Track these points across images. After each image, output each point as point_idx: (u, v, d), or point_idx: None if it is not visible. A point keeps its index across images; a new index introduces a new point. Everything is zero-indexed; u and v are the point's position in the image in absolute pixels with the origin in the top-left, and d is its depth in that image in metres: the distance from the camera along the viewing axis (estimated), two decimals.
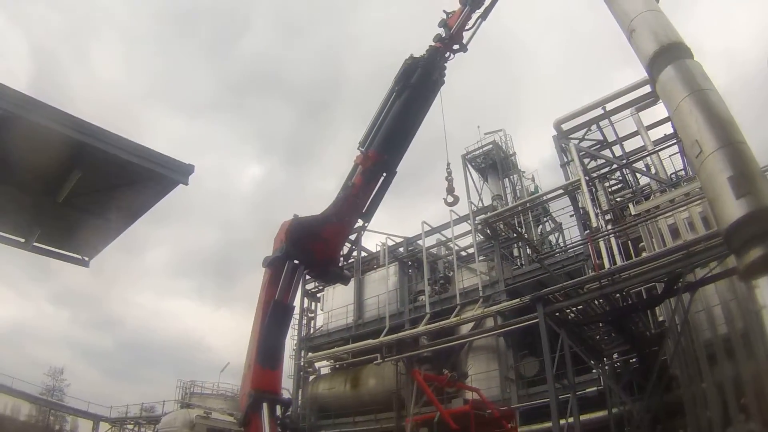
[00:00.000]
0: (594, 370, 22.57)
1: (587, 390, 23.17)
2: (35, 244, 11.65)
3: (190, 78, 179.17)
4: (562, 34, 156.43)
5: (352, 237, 22.24)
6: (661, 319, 22.21)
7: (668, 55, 14.48)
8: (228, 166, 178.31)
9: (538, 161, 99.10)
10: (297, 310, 32.48)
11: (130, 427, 63.19)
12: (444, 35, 21.42)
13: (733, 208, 11.87)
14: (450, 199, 27.74)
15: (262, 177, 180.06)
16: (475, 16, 21.91)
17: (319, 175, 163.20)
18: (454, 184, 28.15)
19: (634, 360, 22.88)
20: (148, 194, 10.62)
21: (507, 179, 40.69)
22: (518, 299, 25.31)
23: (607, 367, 23.01)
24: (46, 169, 9.73)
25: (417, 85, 20.62)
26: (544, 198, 32.80)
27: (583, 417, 20.11)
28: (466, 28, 21.86)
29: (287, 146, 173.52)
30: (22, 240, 11.59)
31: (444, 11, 21.77)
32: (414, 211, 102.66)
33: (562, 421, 18.13)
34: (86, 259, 12.54)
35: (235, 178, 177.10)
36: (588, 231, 26.30)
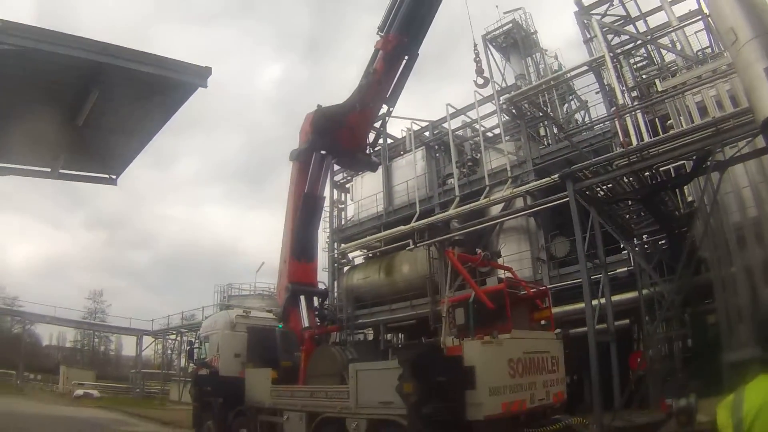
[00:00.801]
0: (625, 250, 22.61)
1: (618, 270, 23.29)
2: (61, 171, 11.81)
3: None
4: None
5: (378, 123, 22.20)
6: (690, 199, 22.07)
7: None
8: (247, 69, 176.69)
9: (561, 39, 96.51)
10: (327, 202, 32.60)
11: (173, 337, 64.91)
12: None
13: None
14: (480, 81, 27.48)
15: (282, 76, 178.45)
16: None
17: (339, 66, 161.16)
18: (482, 66, 27.83)
19: (663, 241, 22.88)
20: (168, 103, 10.57)
21: (529, 58, 40.04)
22: (548, 178, 25.11)
23: (637, 248, 23.04)
24: (62, 95, 9.75)
25: None
26: (569, 75, 32.08)
27: (614, 297, 20.24)
28: None
29: (304, 41, 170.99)
30: (48, 169, 11.77)
31: None
32: (438, 95, 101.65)
33: (594, 302, 18.25)
34: (113, 177, 12.61)
35: (255, 80, 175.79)
36: (614, 108, 25.91)
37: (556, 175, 20.50)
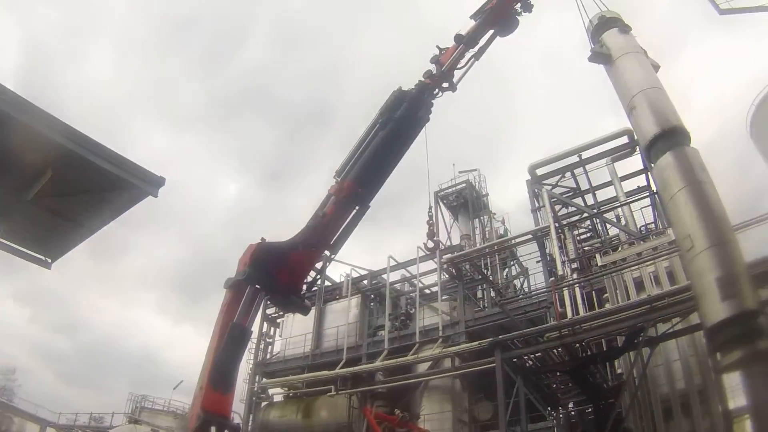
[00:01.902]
0: (549, 419, 22.47)
1: None
2: None
3: (181, 87, 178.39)
4: (555, 76, 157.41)
5: (318, 265, 22.11)
6: (619, 371, 22.23)
7: (668, 141, 14.93)
8: (206, 182, 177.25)
9: (514, 203, 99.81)
10: (255, 334, 32.13)
11: None
12: (434, 72, 21.34)
13: (719, 308, 12.53)
14: (429, 244, 27.70)
15: (237, 196, 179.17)
16: (468, 54, 21.88)
17: (297, 198, 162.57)
18: (435, 230, 28.19)
19: (589, 411, 22.81)
20: (117, 202, 10.53)
21: (477, 219, 40.62)
22: (477, 342, 25.14)
23: (562, 417, 22.97)
24: (18, 165, 9.60)
25: (401, 120, 20.51)
26: (513, 242, 33.05)
27: None
28: (458, 66, 21.82)
29: (268, 167, 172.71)
30: None
31: (437, 47, 21.70)
32: (383, 243, 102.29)
33: None
34: (49, 260, 12.41)
35: (211, 193, 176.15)
36: (553, 278, 26.34)
37: (485, 342, 20.50)
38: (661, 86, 16.49)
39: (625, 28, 17.72)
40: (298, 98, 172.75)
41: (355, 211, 20.72)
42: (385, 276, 34.79)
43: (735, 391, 21.78)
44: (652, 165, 15.81)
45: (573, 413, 24.00)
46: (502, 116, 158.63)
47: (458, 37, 21.68)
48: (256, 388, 35.93)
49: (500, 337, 19.68)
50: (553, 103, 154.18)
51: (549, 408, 22.26)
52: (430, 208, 28.32)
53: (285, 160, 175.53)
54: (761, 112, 26.81)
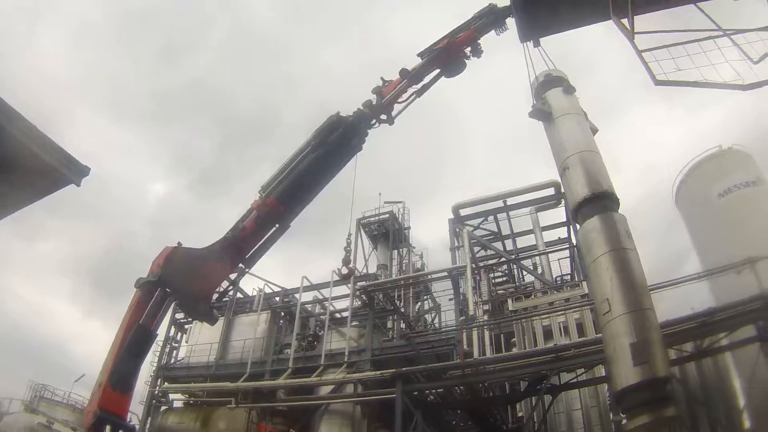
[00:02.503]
0: None
1: None
2: None
3: (128, 80, 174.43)
4: (500, 119, 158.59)
5: (232, 276, 21.95)
6: (520, 415, 22.52)
7: (597, 204, 15.56)
8: (136, 179, 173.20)
9: (435, 240, 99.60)
10: (161, 337, 31.69)
11: None
12: (374, 102, 21.49)
13: (630, 373, 13.11)
14: (344, 270, 27.69)
15: (166, 196, 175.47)
16: (411, 90, 22.08)
17: (224, 206, 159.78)
18: (351, 256, 28.21)
19: None
20: (37, 187, 10.26)
21: (396, 251, 40.89)
22: (380, 372, 25.17)
23: None
24: None
25: (333, 145, 20.64)
26: (429, 277, 33.36)
27: None
28: (399, 100, 21.98)
29: (201, 171, 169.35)
30: None
31: (382, 78, 21.86)
32: (299, 263, 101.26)
33: None
34: None
35: (140, 191, 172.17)
36: (463, 318, 26.63)
37: (388, 372, 20.53)
38: (597, 150, 16.95)
39: (569, 89, 18.18)
40: (246, 106, 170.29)
41: (275, 229, 20.73)
42: (297, 295, 34.64)
43: None
44: (578, 225, 16.21)
45: None
46: (438, 153, 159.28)
47: (404, 72, 21.91)
48: (156, 392, 35.37)
49: (404, 369, 19.71)
50: (493, 146, 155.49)
51: None
52: (350, 235, 28.44)
53: (219, 166, 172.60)
54: (685, 186, 27.62)
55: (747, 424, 22.81)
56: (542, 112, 17.71)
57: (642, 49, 10.99)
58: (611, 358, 13.81)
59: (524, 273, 33.13)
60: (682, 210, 28.59)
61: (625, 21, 11.04)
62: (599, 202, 15.57)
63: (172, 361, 36.93)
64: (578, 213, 16.08)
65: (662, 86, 10.84)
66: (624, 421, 14.93)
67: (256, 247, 20.97)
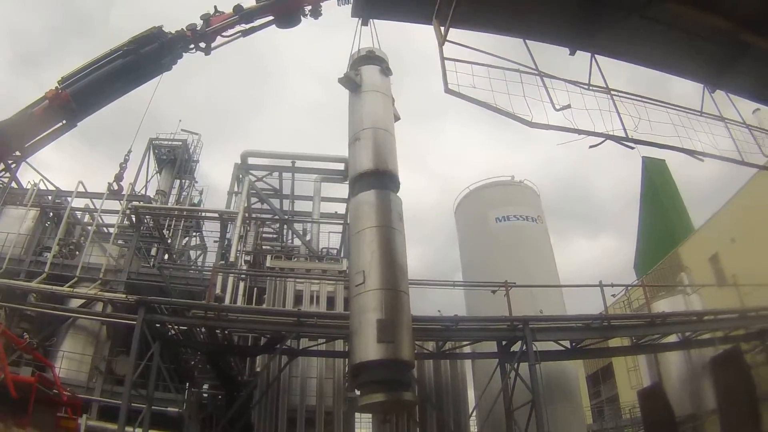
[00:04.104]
0: (178, 394, 22.43)
1: (169, 408, 22.75)
2: None
3: None
4: (318, 88, 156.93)
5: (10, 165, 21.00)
6: (258, 370, 22.73)
7: (377, 180, 15.70)
8: None
9: (224, 183, 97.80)
10: None
11: None
12: (198, 29, 21.07)
13: (372, 348, 13.33)
14: (114, 186, 26.89)
15: None
16: (238, 27, 21.78)
17: (31, 90, 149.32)
18: (124, 174, 27.42)
19: (221, 397, 23.10)
20: None
21: (179, 181, 40.20)
22: (126, 295, 24.56)
23: (194, 395, 23.15)
24: None
25: (145, 57, 20.14)
26: (201, 214, 33.60)
27: None
28: (224, 33, 21.63)
29: (23, 48, 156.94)
30: None
31: (215, 7, 21.42)
32: (82, 168, 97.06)
33: (129, 429, 17.70)
34: None
35: None
36: (223, 263, 26.75)
37: (133, 298, 20.18)
38: (393, 133, 17.12)
39: (386, 71, 18.37)
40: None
41: (61, 124, 19.95)
42: (69, 199, 33.27)
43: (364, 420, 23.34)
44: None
45: (205, 395, 24.25)
46: (253, 101, 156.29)
47: (237, 8, 21.64)
48: None
49: (149, 297, 19.27)
50: (309, 109, 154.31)
51: (182, 383, 22.34)
52: (129, 152, 27.69)
53: (44, 50, 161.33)
54: (468, 201, 28.72)
55: (473, 429, 24.27)
56: (352, 82, 17.75)
57: (447, 57, 11.38)
58: (356, 330, 13.93)
59: (294, 236, 33.51)
60: (459, 223, 29.67)
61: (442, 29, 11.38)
62: (380, 178, 15.78)
63: None
64: (356, 184, 16.20)
65: (450, 95, 11.24)
66: (358, 395, 14.96)
67: (38, 138, 20.19)
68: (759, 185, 33.87)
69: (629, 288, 31.05)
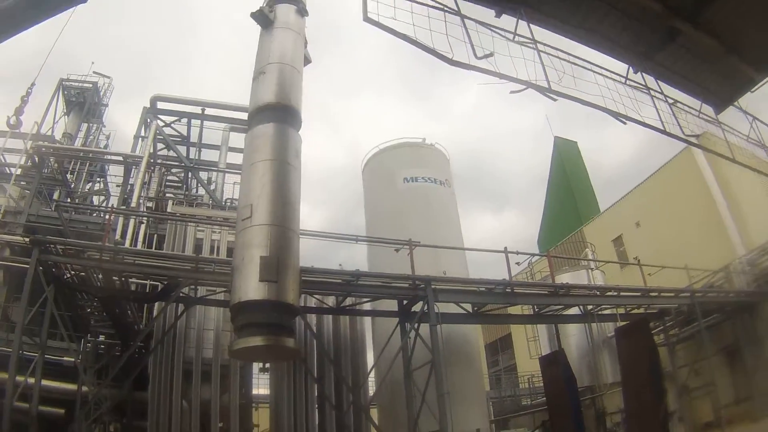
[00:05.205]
0: (72, 342, 21.76)
1: (65, 358, 21.96)
2: None
3: None
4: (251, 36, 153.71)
5: None
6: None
7: (277, 114, 14.90)
8: None
9: (133, 128, 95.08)
10: None
11: None
12: None
13: (252, 287, 12.51)
14: (13, 121, 25.88)
15: None
16: None
17: None
18: (25, 109, 26.39)
19: (118, 348, 22.56)
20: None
21: (87, 125, 38.97)
22: (22, 236, 23.64)
23: (89, 344, 22.65)
24: None
25: None
26: (105, 157, 32.68)
27: (53, 383, 19.91)
28: None
29: None
30: None
31: None
32: None
33: (21, 378, 16.95)
34: None
35: None
36: (124, 207, 26.26)
37: (27, 237, 19.35)
38: (301, 71, 16.45)
39: (303, 12, 17.73)
40: None
41: None
42: None
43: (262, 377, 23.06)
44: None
45: (102, 346, 23.70)
46: (177, 45, 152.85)
47: None
48: None
49: (42, 237, 18.22)
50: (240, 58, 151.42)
51: (77, 332, 21.73)
52: (32, 85, 26.67)
53: None
54: (377, 161, 28.39)
55: (371, 389, 24.20)
56: (265, 17, 16.96)
57: None
58: (237, 267, 13.12)
59: (198, 186, 33.08)
60: (366, 182, 29.28)
61: None
62: (281, 113, 15.10)
63: None
64: (254, 118, 15.46)
65: (367, 23, 10.99)
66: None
67: None
68: (667, 174, 35.06)
69: (533, 260, 31.52)
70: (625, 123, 14.54)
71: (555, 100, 13.38)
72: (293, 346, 13.47)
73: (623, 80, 15.56)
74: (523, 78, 12.96)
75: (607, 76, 15.33)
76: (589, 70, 14.86)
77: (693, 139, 17.13)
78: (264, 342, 12.55)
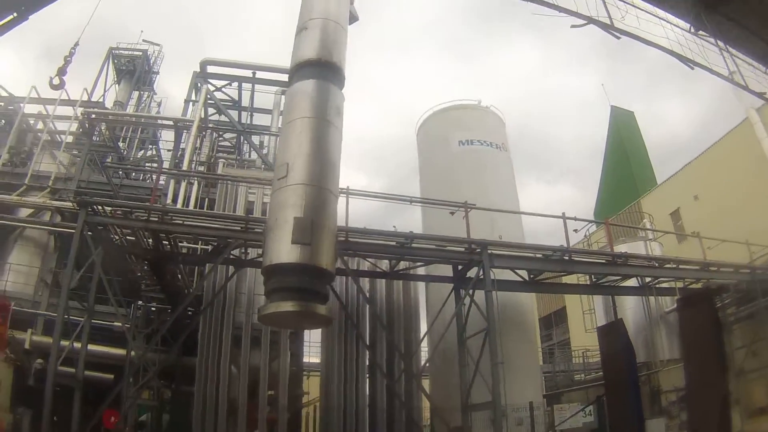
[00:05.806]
0: (121, 307, 21.53)
1: (114, 323, 21.69)
2: None
3: None
4: None
5: None
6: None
7: (319, 71, 14.02)
8: None
9: (184, 95, 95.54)
10: None
11: None
12: None
13: (286, 250, 11.74)
14: (56, 81, 25.55)
15: None
16: None
17: None
18: (68, 69, 26.06)
19: (169, 311, 22.36)
20: None
21: (138, 93, 39.07)
22: (71, 201, 23.36)
23: (140, 309, 22.56)
24: None
25: None
26: (156, 122, 32.61)
27: (101, 348, 20.09)
28: None
29: None
30: None
31: None
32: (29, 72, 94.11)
33: (65, 342, 16.64)
34: None
35: None
36: (175, 171, 25.90)
37: (75, 200, 18.97)
38: (346, 28, 15.66)
39: None
40: None
41: (11, 17, 18.95)
42: (22, 105, 31.93)
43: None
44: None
45: (153, 309, 23.59)
46: (227, 15, 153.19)
47: None
48: None
49: (90, 198, 17.67)
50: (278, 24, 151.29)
51: (128, 297, 21.58)
52: (76, 44, 26.30)
53: None
54: (431, 124, 27.95)
55: (424, 356, 23.72)
56: None
57: None
58: (271, 228, 12.39)
59: (251, 150, 32.89)
60: (421, 145, 28.88)
61: None
62: (322, 69, 14.19)
63: None
64: (295, 75, 14.60)
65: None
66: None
67: None
68: (725, 146, 34.11)
69: (590, 231, 30.85)
70: (692, 68, 13.91)
71: (618, 37, 12.86)
72: (325, 313, 12.60)
73: (688, 30, 14.88)
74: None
75: (669, 29, 14.72)
76: (651, 13, 14.21)
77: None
78: (294, 308, 11.73)
